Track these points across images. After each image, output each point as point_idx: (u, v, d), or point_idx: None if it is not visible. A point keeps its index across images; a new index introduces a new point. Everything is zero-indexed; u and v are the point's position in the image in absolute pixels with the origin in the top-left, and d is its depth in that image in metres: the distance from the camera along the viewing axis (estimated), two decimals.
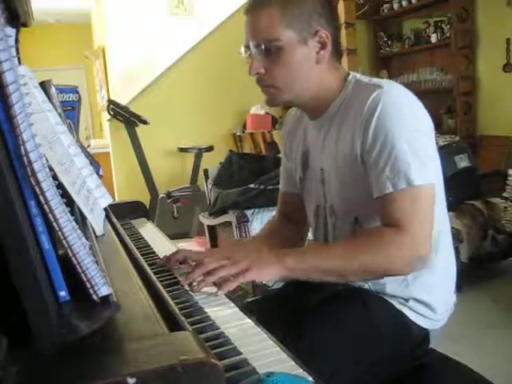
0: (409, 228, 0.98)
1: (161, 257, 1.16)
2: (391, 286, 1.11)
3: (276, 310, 1.18)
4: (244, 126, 4.99)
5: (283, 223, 1.37)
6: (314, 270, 1.01)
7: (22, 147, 0.54)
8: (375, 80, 1.10)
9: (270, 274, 0.99)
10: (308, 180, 1.23)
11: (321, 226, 1.23)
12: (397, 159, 0.99)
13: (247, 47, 1.09)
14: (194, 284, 0.96)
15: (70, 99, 1.47)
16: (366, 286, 1.14)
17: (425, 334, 1.14)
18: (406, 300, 1.11)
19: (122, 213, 1.54)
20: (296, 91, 1.11)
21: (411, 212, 0.99)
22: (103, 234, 1.07)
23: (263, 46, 1.05)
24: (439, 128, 4.31)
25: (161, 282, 0.96)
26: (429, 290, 1.12)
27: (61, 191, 0.61)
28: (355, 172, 1.08)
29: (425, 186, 1.00)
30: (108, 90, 5.16)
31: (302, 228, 1.38)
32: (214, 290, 0.95)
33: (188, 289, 0.96)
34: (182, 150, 4.85)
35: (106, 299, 0.61)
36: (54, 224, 0.57)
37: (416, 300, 1.12)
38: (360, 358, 1.04)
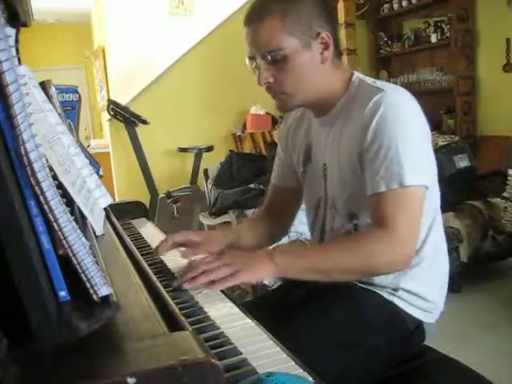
0: (396, 227, 1.02)
1: (160, 257, 1.16)
2: (378, 277, 1.13)
3: (272, 309, 1.18)
4: (244, 126, 4.97)
5: (268, 214, 1.41)
6: (304, 269, 1.04)
7: (21, 147, 0.54)
8: (379, 83, 1.14)
9: (260, 273, 1.02)
10: (309, 174, 1.27)
11: (320, 217, 1.27)
12: (392, 160, 1.03)
13: (251, 58, 1.12)
14: (186, 284, 0.97)
15: (70, 99, 1.47)
16: None
17: (417, 324, 1.15)
18: (396, 290, 1.13)
19: (122, 213, 1.54)
20: (306, 94, 1.14)
21: (401, 212, 1.03)
22: (103, 234, 1.07)
23: (269, 57, 1.08)
24: (439, 128, 4.31)
25: (161, 281, 0.96)
26: (418, 280, 1.14)
27: (61, 191, 0.62)
28: (354, 170, 1.12)
29: (416, 188, 1.04)
30: (108, 90, 5.15)
31: (286, 221, 1.43)
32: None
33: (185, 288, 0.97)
34: (181, 150, 4.84)
35: (105, 299, 0.61)
36: (54, 224, 0.57)
37: (405, 290, 1.13)
38: (352, 350, 1.06)
